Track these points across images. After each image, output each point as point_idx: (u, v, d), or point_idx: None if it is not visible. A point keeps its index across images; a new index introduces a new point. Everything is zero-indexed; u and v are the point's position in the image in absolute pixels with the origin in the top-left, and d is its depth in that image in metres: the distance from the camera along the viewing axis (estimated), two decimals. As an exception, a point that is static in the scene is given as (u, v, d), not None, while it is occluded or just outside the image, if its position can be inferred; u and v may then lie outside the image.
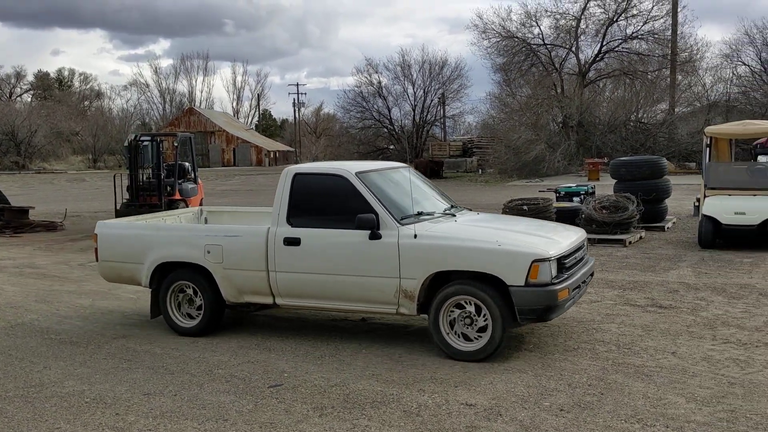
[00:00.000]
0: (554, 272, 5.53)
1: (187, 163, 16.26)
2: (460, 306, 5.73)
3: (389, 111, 61.20)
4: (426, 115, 61.61)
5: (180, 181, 15.52)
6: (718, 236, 10.85)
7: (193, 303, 6.73)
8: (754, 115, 31.49)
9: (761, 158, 16.15)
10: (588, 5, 37.65)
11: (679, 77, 38.04)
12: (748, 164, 13.26)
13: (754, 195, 10.79)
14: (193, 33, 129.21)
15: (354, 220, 5.86)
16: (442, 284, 5.79)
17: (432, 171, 36.91)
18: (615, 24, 37.66)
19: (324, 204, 6.28)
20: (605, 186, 18.05)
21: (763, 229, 10.25)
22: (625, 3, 37.05)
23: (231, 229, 6.72)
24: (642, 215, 12.41)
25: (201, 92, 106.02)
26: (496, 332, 5.58)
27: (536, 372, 5.42)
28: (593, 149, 32.88)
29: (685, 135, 32.88)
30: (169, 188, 15.08)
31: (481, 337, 5.67)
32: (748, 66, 40.31)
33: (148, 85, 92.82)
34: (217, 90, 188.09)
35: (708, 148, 11.72)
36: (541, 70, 39.33)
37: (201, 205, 16.66)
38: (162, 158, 15.10)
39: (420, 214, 6.17)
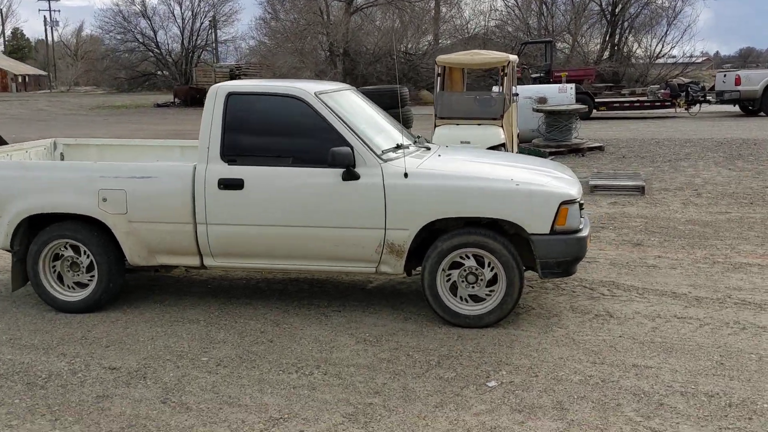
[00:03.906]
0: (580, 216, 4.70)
1: None
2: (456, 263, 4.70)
3: (155, 34, 56.90)
4: (196, 40, 58.24)
5: None
6: None
7: (79, 268, 5.11)
8: (506, 48, 33.57)
9: (495, 88, 16.97)
10: (355, -70, 37.16)
11: (443, 9, 39.32)
12: (475, 94, 13.75)
13: (479, 124, 11.15)
14: None
15: (315, 154, 4.69)
16: (429, 236, 4.75)
17: (193, 99, 34.79)
18: (382, -49, 37.66)
19: (273, 134, 4.94)
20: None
21: (485, 157, 10.64)
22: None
23: (139, 168, 5.01)
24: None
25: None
26: (513, 291, 4.59)
27: (209, 321, 4.92)
28: (359, 78, 33.09)
29: (445, 66, 34.19)
30: None
31: (490, 296, 4.67)
32: (504, 0, 42.81)
33: None
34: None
35: (440, 78, 11.86)
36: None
37: None
38: None
39: (398, 147, 5.02)
